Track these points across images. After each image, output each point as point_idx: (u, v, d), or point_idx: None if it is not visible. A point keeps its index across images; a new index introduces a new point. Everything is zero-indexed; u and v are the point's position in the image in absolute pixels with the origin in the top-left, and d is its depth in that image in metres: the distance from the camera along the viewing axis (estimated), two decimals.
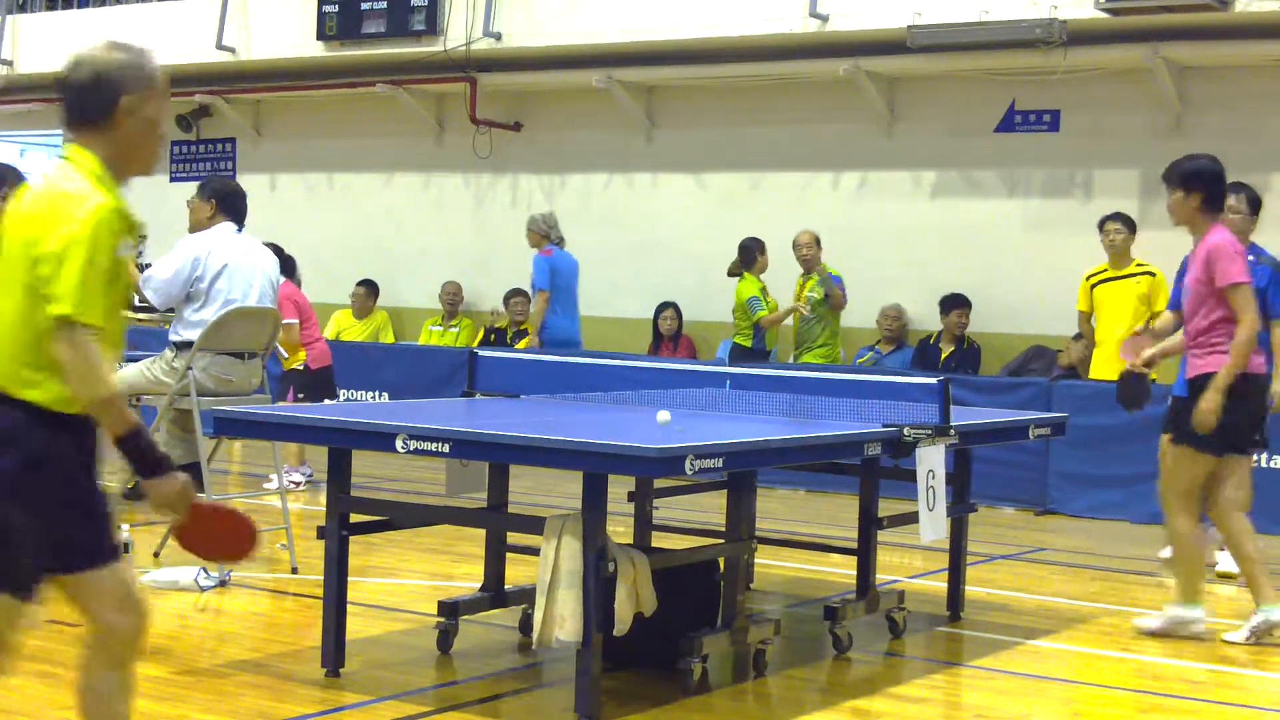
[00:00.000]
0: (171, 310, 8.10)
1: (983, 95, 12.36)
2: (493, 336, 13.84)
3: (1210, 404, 6.60)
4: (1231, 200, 7.54)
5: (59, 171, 3.70)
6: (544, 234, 12.60)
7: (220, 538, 4.05)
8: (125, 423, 3.64)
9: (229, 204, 7.85)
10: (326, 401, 10.60)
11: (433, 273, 14.59)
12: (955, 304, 12.18)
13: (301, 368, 10.63)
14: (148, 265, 8.43)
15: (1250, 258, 7.30)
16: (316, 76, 14.72)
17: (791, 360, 12.37)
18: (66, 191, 3.63)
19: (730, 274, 12.52)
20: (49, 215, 3.60)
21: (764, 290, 12.35)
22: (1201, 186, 6.75)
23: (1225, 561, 8.19)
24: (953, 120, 12.55)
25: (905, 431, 5.98)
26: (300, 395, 10.57)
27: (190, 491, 3.79)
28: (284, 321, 10.26)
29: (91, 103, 3.69)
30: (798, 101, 13.06)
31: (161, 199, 13.26)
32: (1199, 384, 6.68)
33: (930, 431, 6.03)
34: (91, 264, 3.55)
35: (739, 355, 12.26)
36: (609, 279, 13.87)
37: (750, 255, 12.38)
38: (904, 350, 12.44)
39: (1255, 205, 7.98)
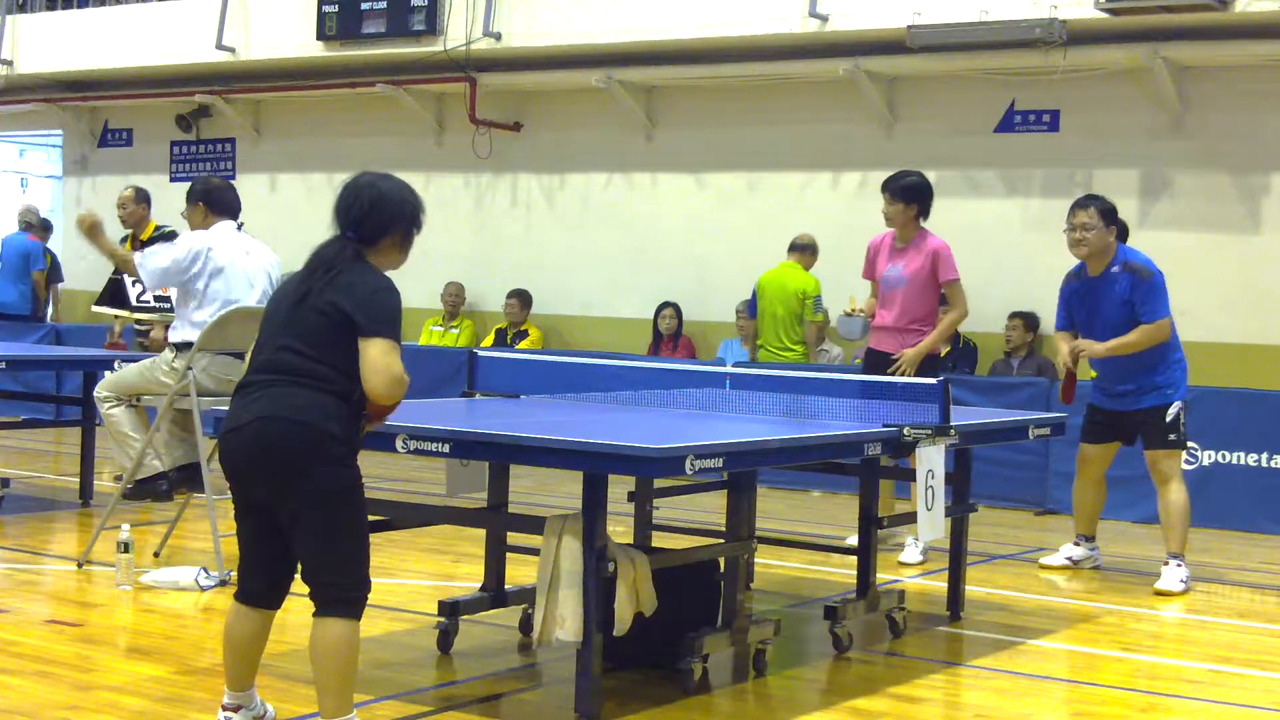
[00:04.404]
0: (166, 301, 8.06)
1: (982, 95, 12.36)
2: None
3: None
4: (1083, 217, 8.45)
5: None
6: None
7: None
8: None
9: (216, 201, 7.83)
10: None
11: (433, 273, 14.58)
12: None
13: None
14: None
15: (1114, 267, 8.38)
16: (316, 76, 14.73)
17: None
18: None
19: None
20: None
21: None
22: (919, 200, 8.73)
23: (1167, 579, 8.07)
24: (952, 120, 12.54)
25: (905, 431, 5.98)
26: None
27: None
28: None
29: None
30: (798, 101, 13.06)
31: (161, 199, 13.23)
32: None
33: (930, 431, 6.03)
34: None
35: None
36: (609, 279, 13.88)
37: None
38: None
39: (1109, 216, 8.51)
